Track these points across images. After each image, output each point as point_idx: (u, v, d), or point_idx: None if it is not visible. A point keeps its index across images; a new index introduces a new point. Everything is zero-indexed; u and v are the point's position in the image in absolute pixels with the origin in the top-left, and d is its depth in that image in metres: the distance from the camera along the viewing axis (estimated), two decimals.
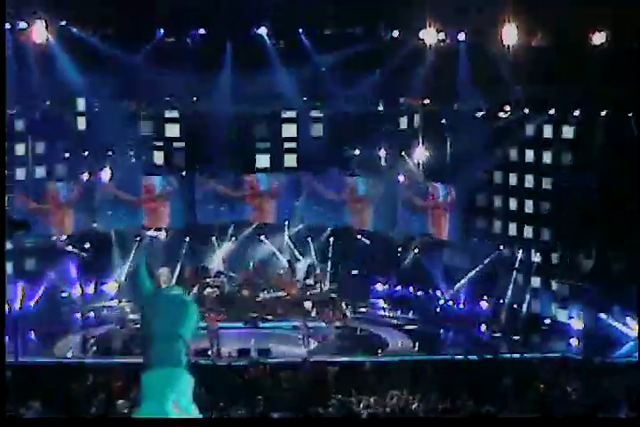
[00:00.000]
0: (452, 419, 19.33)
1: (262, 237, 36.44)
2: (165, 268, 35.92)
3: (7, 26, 31.79)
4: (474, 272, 33.46)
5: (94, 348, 30.21)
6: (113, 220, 35.25)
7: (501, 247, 33.23)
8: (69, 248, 34.23)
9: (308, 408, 20.46)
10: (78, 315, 33.15)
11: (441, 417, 19.71)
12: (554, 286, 32.19)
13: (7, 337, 28.81)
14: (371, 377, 23.84)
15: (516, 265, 32.73)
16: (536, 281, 32.54)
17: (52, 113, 34.27)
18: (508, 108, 33.08)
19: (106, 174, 34.69)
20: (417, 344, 30.94)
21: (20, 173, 33.70)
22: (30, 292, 32.19)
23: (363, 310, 34.76)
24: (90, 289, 34.46)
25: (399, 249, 35.51)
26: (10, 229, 20.02)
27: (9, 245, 31.73)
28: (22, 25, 32.13)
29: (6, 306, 31.06)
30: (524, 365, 25.29)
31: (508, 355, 27.57)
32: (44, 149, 34.24)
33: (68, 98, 34.31)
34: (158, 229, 35.27)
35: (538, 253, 32.42)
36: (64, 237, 34.35)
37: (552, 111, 31.97)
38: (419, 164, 35.53)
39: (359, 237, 36.09)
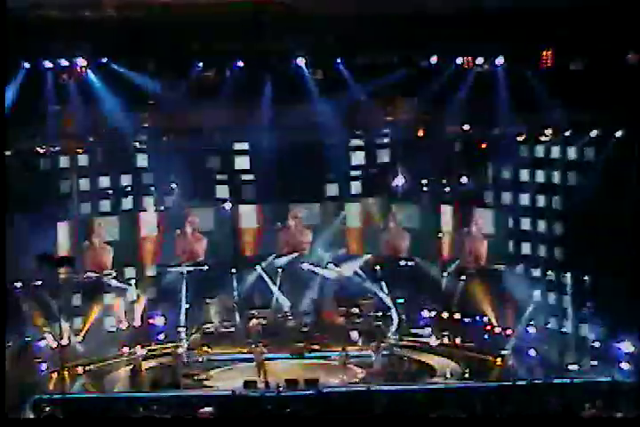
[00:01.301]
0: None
1: (305, 267, 36.34)
2: (216, 299, 36.16)
3: (49, 64, 32.20)
4: (521, 298, 33.16)
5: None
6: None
7: (549, 273, 32.85)
8: (114, 282, 34.39)
9: None
10: (126, 349, 33.17)
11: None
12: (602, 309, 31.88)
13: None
14: (420, 405, 23.70)
15: (566, 290, 32.36)
16: (584, 304, 32.17)
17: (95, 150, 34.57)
18: (548, 131, 32.88)
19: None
20: (466, 371, 30.71)
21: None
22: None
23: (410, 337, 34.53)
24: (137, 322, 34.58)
25: (444, 276, 35.27)
26: (56, 265, 20.24)
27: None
28: (64, 63, 32.51)
29: (53, 342, 31.30)
30: (574, 389, 25.06)
31: (558, 380, 27.29)
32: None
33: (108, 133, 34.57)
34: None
35: (585, 277, 32.07)
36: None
37: (593, 133, 31.68)
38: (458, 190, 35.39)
39: (403, 264, 35.95)
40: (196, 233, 35.91)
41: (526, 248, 33.85)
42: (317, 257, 36.29)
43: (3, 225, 28.42)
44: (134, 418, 18.56)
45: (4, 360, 20.99)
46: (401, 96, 34.63)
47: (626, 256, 29.73)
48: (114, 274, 34.40)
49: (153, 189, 35.49)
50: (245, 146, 35.96)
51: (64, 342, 30.17)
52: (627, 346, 30.21)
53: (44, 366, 30.93)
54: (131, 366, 31.44)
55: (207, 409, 22.61)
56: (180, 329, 34.21)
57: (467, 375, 30.30)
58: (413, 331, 34.80)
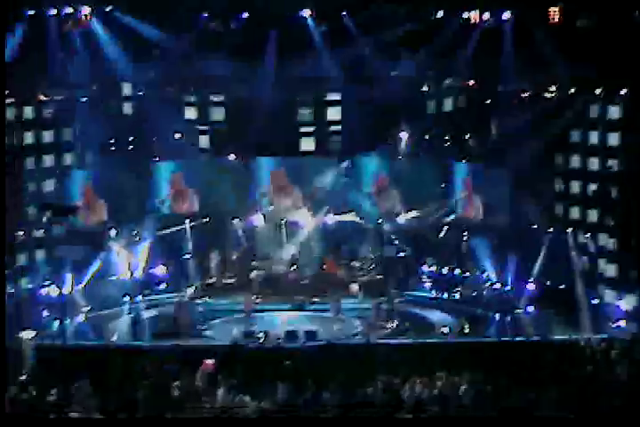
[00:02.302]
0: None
1: (305, 222, 36.43)
2: (215, 252, 36.36)
3: (53, 11, 32.04)
4: (521, 254, 33.26)
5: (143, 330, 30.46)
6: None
7: (550, 229, 32.88)
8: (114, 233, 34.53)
9: (356, 389, 20.58)
10: (127, 298, 33.39)
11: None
12: (603, 266, 32.03)
13: (58, 320, 29.31)
14: (417, 358, 23.89)
15: (569, 246, 32.46)
16: (585, 262, 32.32)
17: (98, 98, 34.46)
18: (553, 88, 32.80)
19: None
20: (465, 326, 30.88)
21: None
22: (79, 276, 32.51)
23: (409, 291, 34.69)
24: (138, 273, 34.74)
25: (445, 231, 35.36)
26: (60, 214, 20.30)
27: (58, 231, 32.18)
28: (68, 10, 32.32)
29: (56, 290, 31.47)
30: (572, 346, 25.23)
31: (556, 336, 27.49)
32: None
33: (113, 83, 34.47)
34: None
35: (588, 235, 32.22)
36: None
37: (598, 91, 31.62)
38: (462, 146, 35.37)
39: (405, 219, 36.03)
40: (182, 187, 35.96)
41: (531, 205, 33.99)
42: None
43: (3, 223, 28.31)
44: (134, 418, 18.81)
45: (4, 360, 21.13)
46: (406, 50, 34.39)
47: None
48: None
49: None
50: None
51: (66, 290, 30.32)
52: (625, 304, 30.46)
53: (45, 313, 31.17)
54: (131, 316, 31.65)
55: (210, 361, 22.81)
56: (181, 279, 34.43)
57: (466, 331, 30.45)
58: (414, 286, 35.01)
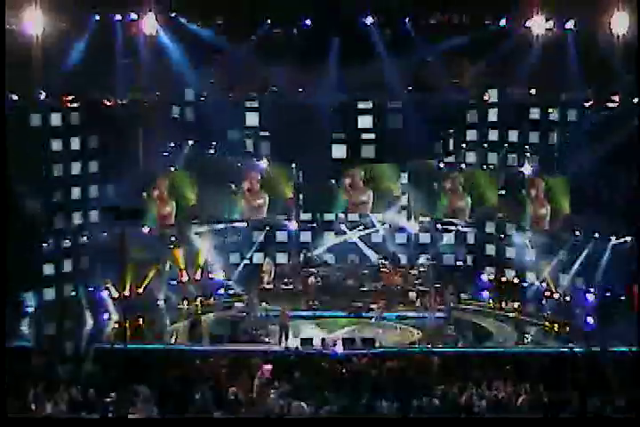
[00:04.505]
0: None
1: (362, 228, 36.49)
2: (268, 258, 36.56)
3: (118, 17, 32.42)
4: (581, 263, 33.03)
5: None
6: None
7: (613, 238, 32.50)
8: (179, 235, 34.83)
9: (412, 399, 20.56)
10: (185, 302, 33.67)
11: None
12: None
13: (117, 324, 29.62)
14: (475, 368, 23.82)
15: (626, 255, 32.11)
16: None
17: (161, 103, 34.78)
18: (616, 97, 32.52)
19: None
20: (521, 336, 30.75)
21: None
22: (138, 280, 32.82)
23: (467, 300, 34.58)
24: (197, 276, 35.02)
25: (502, 239, 35.22)
26: (125, 217, 20.50)
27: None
28: (133, 16, 32.67)
29: (115, 293, 31.82)
30: (631, 358, 24.98)
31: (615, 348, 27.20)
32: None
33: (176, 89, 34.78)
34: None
35: None
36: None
37: None
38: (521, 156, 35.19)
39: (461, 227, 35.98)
40: (256, 189, 36.11)
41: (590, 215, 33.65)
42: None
43: (3, 224, 28.62)
44: (134, 418, 19.01)
45: (5, 360, 21.42)
46: (468, 58, 34.32)
47: None
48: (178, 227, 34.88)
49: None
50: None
51: (126, 293, 30.63)
52: None
53: (105, 316, 31.54)
54: (190, 319, 31.88)
55: (268, 366, 22.90)
56: (239, 284, 34.65)
57: (523, 340, 30.27)
58: (471, 295, 34.87)
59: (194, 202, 34.95)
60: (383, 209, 36.37)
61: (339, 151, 35.91)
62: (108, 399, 20.27)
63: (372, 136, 35.95)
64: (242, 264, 35.59)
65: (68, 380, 22.23)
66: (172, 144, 34.97)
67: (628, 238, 31.83)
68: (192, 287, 34.55)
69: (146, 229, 33.56)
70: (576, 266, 33.00)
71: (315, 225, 36.81)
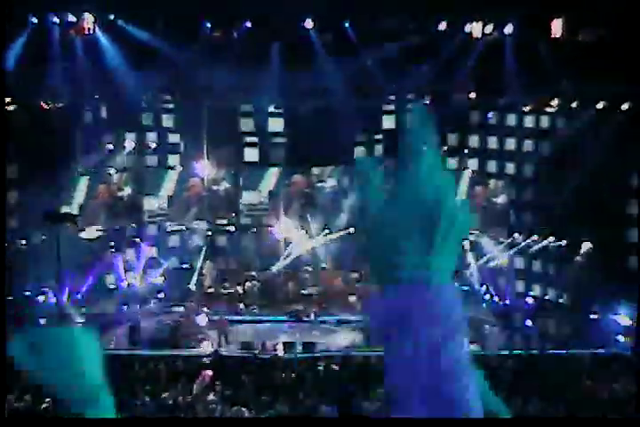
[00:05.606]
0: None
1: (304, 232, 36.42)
2: (210, 262, 36.23)
3: (55, 19, 32.06)
4: (519, 267, 33.23)
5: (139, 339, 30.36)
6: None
7: (551, 239, 32.63)
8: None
9: (352, 402, 20.50)
10: (125, 307, 33.36)
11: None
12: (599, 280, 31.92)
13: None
14: None
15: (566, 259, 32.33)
16: (582, 275, 32.20)
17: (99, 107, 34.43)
18: (555, 102, 32.79)
19: None
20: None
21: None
22: (77, 284, 32.41)
23: None
24: (137, 281, 34.69)
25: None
26: (58, 221, 20.25)
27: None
28: (71, 18, 32.34)
29: (53, 298, 31.40)
30: (572, 361, 25.17)
31: (555, 351, 27.42)
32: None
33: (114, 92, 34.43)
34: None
35: (584, 247, 32.08)
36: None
37: (600, 106, 31.54)
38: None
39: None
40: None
41: (527, 217, 33.90)
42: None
43: (3, 224, 28.23)
44: (134, 418, 18.76)
45: (5, 360, 21.07)
46: (409, 62, 34.40)
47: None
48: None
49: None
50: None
51: (64, 297, 30.26)
52: (623, 319, 30.33)
53: (42, 321, 31.09)
54: (129, 324, 31.58)
55: (209, 372, 22.72)
56: (178, 289, 34.41)
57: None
58: None
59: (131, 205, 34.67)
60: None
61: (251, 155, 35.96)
62: (44, 405, 19.95)
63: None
64: (181, 268, 35.33)
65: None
66: (110, 147, 34.62)
67: (564, 242, 32.11)
68: (131, 292, 34.21)
69: (84, 234, 33.17)
70: (515, 269, 33.24)
71: (255, 230, 36.61)
